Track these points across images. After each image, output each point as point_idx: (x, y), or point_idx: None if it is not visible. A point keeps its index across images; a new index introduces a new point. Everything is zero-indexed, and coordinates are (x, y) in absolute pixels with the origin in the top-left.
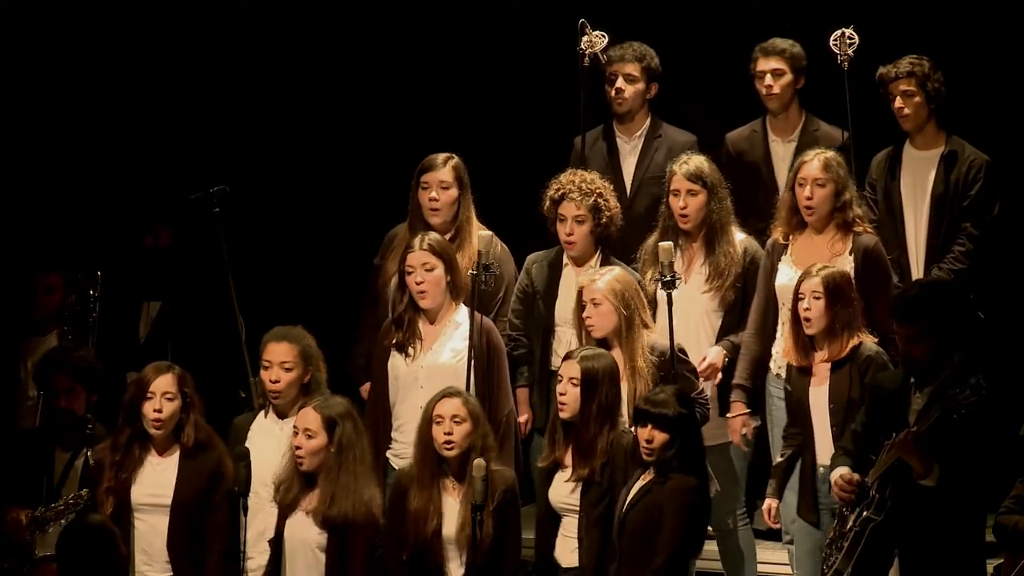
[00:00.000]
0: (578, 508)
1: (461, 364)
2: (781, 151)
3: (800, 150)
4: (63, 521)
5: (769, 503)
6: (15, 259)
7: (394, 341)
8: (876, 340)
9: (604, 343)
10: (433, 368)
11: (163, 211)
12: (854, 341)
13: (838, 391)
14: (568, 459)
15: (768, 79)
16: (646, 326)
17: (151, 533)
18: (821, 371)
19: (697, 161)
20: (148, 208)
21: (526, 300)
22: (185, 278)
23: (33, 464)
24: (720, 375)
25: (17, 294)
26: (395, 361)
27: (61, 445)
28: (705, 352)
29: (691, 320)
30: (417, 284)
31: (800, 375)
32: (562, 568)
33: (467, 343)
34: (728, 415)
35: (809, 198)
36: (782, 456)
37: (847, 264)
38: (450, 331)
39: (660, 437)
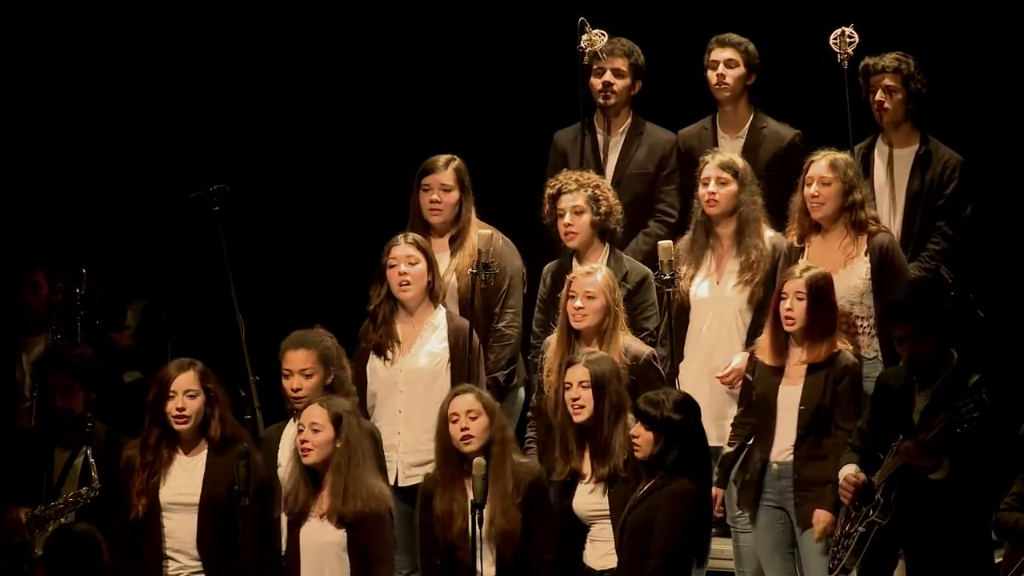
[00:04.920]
0: (608, 511)
1: (439, 367)
2: (729, 147)
3: (748, 146)
4: (63, 520)
5: (715, 492)
6: (8, 258)
7: (372, 343)
8: (852, 350)
9: (578, 338)
10: (411, 371)
11: (151, 212)
12: (834, 348)
13: (811, 394)
14: (586, 466)
15: (721, 68)
16: (622, 328)
17: (181, 532)
18: (796, 372)
19: (731, 154)
20: (142, 206)
21: (545, 308)
22: (183, 277)
23: (32, 463)
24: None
25: (10, 293)
26: (373, 363)
27: (60, 444)
28: (731, 358)
29: (724, 320)
30: (400, 275)
31: (771, 372)
32: (596, 572)
33: (444, 345)
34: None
35: (815, 195)
36: (731, 446)
37: (863, 266)
38: (427, 333)
39: (645, 436)
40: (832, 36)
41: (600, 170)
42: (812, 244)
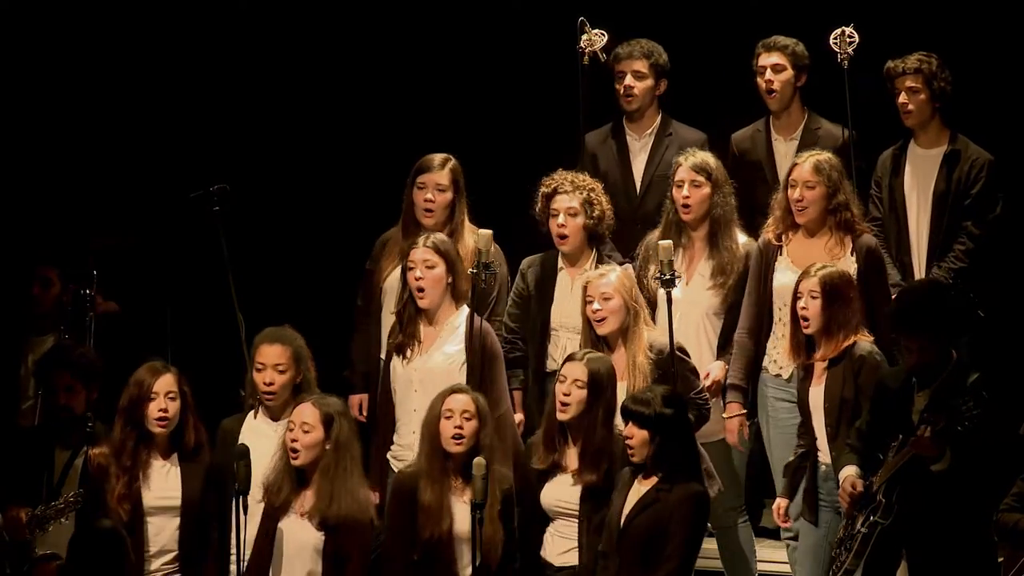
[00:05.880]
0: (577, 512)
1: (453, 367)
2: (783, 150)
3: (802, 149)
4: (63, 520)
5: (779, 502)
6: (15, 258)
7: (395, 343)
8: (872, 340)
9: (606, 341)
10: (425, 371)
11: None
12: (849, 341)
13: (832, 390)
14: (568, 461)
15: (768, 74)
16: (646, 323)
17: (161, 535)
18: (818, 370)
19: (703, 155)
20: (147, 210)
21: (522, 303)
22: (185, 277)
23: (33, 462)
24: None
25: (17, 293)
26: (394, 363)
27: (61, 443)
28: (708, 368)
29: (691, 322)
30: (416, 280)
31: (803, 375)
32: (555, 567)
33: (460, 347)
34: (724, 415)
35: (799, 200)
36: (794, 455)
37: (849, 265)
38: (447, 334)
39: (639, 435)
40: (832, 36)
41: (627, 172)
42: (792, 242)
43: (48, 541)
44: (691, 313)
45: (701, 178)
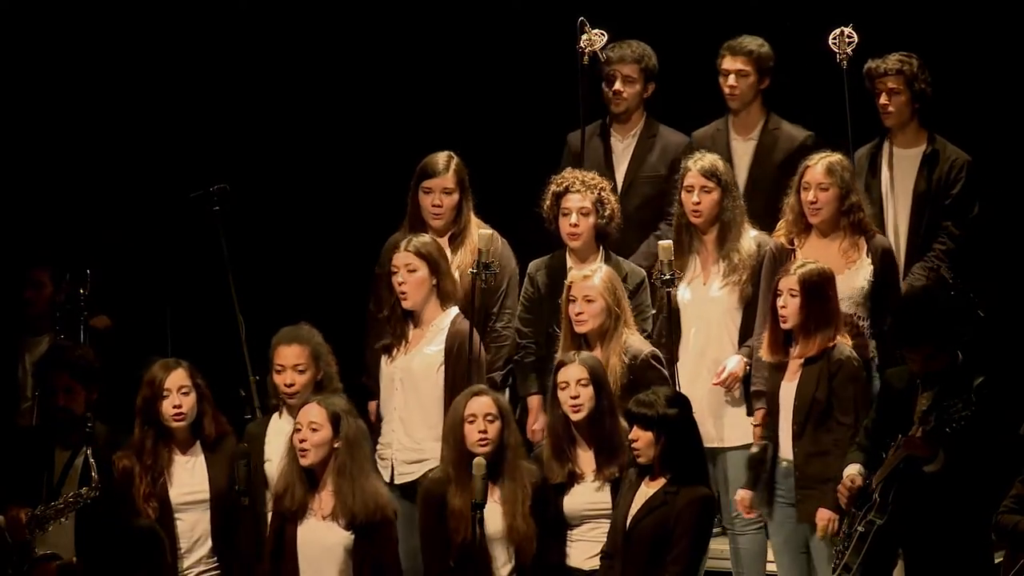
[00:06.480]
0: (608, 510)
1: (431, 367)
2: (741, 149)
3: (760, 148)
4: (63, 520)
5: (743, 494)
6: (9, 259)
7: (384, 343)
8: (852, 344)
9: (586, 340)
10: (406, 371)
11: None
12: (829, 342)
13: (804, 389)
14: (583, 467)
15: (732, 79)
16: (627, 326)
17: (194, 530)
18: (794, 367)
19: (712, 158)
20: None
21: (532, 307)
22: (185, 277)
23: (33, 462)
24: (740, 383)
25: (13, 293)
26: (382, 362)
27: (61, 444)
28: (724, 362)
29: (713, 322)
30: (399, 284)
31: (775, 370)
32: (585, 572)
33: (441, 347)
34: (755, 423)
35: (813, 202)
36: (758, 447)
37: (866, 269)
38: (431, 335)
39: (645, 437)
40: (831, 36)
41: (610, 173)
42: (806, 245)
43: (48, 541)
44: (713, 312)
45: (711, 184)
